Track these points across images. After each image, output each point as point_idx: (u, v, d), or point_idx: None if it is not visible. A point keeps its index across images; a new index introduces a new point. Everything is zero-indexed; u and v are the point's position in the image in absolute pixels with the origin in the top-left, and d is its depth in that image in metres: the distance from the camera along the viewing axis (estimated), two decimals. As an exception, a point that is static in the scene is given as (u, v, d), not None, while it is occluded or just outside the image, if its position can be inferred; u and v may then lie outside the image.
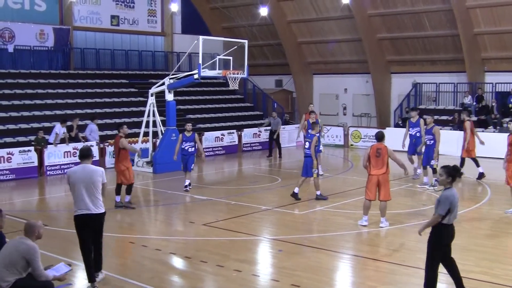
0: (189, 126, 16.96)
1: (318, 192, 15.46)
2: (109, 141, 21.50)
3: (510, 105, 25.60)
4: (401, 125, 27.31)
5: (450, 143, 21.84)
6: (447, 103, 28.69)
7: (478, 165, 18.53)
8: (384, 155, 12.44)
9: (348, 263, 10.46)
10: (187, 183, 17.03)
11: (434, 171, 16.61)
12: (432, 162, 16.91)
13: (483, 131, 24.98)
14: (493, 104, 26.19)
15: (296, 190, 15.39)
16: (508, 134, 14.39)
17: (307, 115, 19.32)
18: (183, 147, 16.81)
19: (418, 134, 18.08)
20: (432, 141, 16.99)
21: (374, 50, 30.41)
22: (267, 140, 25.43)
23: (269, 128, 25.05)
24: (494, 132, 24.75)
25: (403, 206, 14.65)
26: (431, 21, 28.19)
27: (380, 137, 12.69)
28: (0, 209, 7.98)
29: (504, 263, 10.03)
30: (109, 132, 23.15)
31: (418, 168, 18.36)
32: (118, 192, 14.90)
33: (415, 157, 18.52)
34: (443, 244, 8.20)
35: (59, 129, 20.85)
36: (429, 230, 8.16)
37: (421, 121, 17.92)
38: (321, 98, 34.20)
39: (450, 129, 25.48)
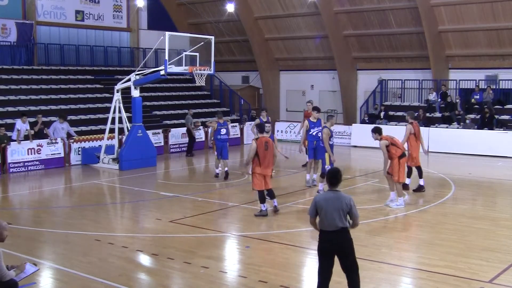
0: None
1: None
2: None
3: (472, 100, 26.06)
4: (367, 121, 27.59)
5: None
6: (412, 100, 29.05)
7: (420, 176, 15.97)
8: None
9: (315, 259, 10.47)
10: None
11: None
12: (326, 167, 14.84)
13: (447, 127, 25.45)
14: (457, 100, 26.60)
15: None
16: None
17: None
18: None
19: (319, 134, 15.94)
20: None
21: (340, 47, 30.58)
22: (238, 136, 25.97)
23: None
24: (458, 128, 25.21)
25: (369, 202, 14.78)
26: (396, 18, 28.50)
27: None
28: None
29: (468, 257, 10.19)
30: (74, 129, 22.79)
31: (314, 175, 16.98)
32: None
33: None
34: (321, 250, 7.73)
35: (20, 126, 20.42)
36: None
37: (322, 121, 16.51)
38: (288, 94, 34.31)
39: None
